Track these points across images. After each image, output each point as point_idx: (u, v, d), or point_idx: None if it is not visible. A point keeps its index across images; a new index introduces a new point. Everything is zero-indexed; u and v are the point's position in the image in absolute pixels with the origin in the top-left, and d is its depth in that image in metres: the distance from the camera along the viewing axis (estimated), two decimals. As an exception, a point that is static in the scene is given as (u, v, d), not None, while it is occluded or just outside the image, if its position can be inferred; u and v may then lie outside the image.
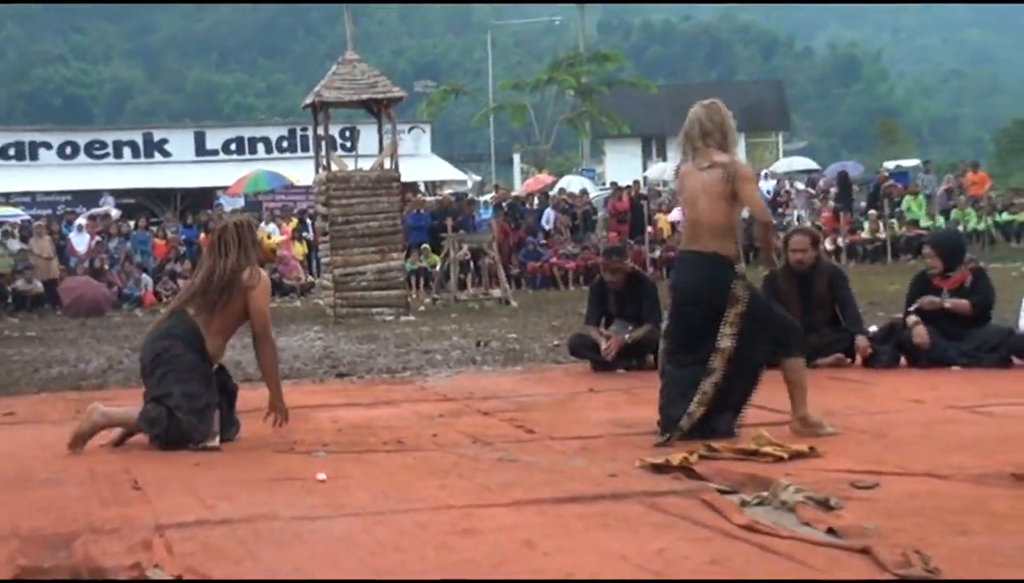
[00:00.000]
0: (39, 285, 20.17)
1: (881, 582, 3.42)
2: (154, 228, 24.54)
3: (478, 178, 43.36)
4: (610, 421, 6.45)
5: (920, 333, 8.17)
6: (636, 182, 28.98)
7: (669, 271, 15.56)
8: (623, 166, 40.88)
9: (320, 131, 16.51)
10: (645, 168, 41.07)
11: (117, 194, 30.80)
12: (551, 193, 28.27)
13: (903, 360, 8.30)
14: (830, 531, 3.94)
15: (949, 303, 8.25)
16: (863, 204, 27.23)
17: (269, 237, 10.67)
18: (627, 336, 8.73)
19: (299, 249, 23.81)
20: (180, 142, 34.58)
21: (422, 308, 17.04)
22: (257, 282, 6.18)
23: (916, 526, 3.94)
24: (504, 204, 25.33)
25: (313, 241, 22.55)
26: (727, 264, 5.77)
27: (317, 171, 16.83)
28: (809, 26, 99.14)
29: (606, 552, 3.78)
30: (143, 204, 30.87)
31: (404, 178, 17.43)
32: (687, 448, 5.29)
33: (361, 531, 4.15)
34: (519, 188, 35.64)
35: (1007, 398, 6.71)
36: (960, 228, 22.24)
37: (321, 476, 5.11)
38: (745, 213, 6.16)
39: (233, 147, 34.62)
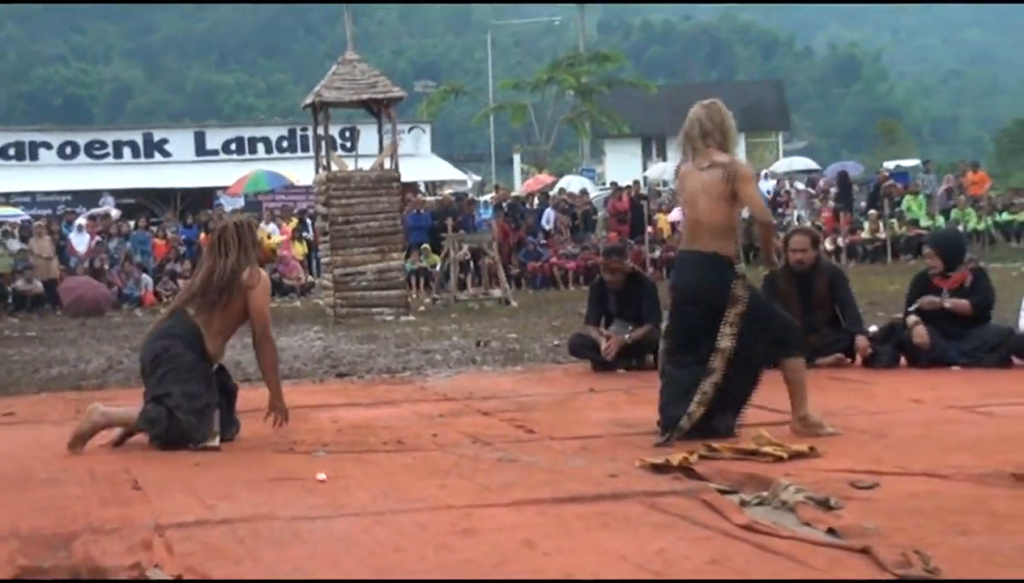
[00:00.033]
0: (39, 285, 20.17)
1: (881, 582, 3.42)
2: (154, 228, 24.54)
3: (478, 178, 43.35)
4: (610, 421, 6.44)
5: (920, 333, 8.17)
6: (636, 182, 28.99)
7: (669, 271, 15.56)
8: (623, 166, 40.87)
9: (320, 131, 16.51)
10: (645, 168, 41.07)
11: (117, 194, 30.79)
12: (551, 193, 28.28)
13: (903, 360, 8.30)
14: (830, 531, 3.93)
15: (949, 303, 8.25)
16: (863, 204, 27.22)
17: (269, 237, 10.70)
18: (627, 336, 8.73)
19: (299, 249, 23.80)
20: (180, 142, 34.56)
21: (422, 308, 17.03)
22: (257, 282, 6.19)
23: (916, 526, 3.94)
24: (504, 204, 25.33)
25: (313, 241, 22.54)
26: (727, 264, 5.76)
27: (317, 171, 16.83)
28: (809, 26, 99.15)
29: (606, 552, 3.78)
30: (143, 204, 30.86)
31: (404, 178, 17.43)
32: (687, 448, 5.29)
33: (361, 531, 4.15)
34: (519, 188, 35.63)
35: (1007, 398, 6.71)
36: (960, 228, 22.20)
37: (321, 476, 5.11)
38: (745, 213, 6.16)
39: (233, 147, 34.61)
